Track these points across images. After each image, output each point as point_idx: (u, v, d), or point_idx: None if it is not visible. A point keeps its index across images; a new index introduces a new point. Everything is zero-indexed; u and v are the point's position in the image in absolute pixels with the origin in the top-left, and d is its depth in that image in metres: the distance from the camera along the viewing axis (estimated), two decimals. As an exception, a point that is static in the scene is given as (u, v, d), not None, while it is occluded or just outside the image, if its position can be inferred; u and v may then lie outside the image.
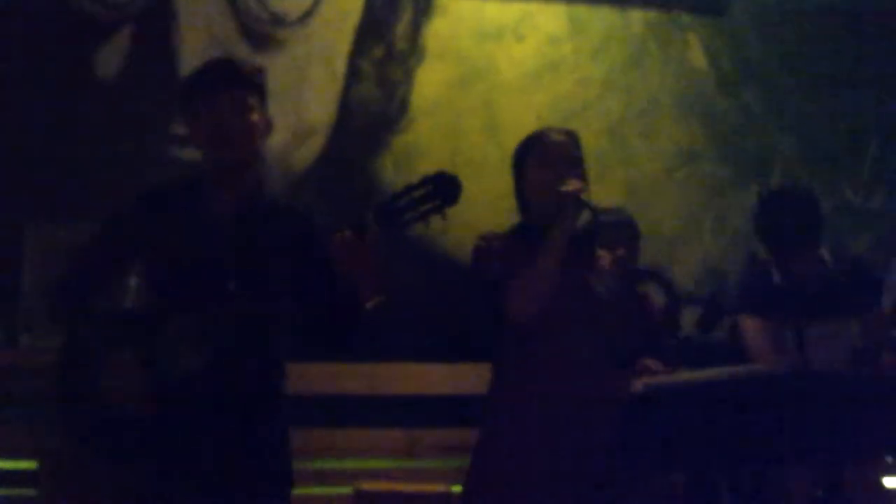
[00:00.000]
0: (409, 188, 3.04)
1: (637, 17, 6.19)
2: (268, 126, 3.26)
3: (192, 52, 5.50)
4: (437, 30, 5.95)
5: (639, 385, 3.32)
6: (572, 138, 3.60)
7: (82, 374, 3.09)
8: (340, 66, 5.84)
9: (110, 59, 5.46)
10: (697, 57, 6.25)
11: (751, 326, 4.33)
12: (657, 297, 4.88)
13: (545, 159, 3.53)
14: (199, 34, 5.55)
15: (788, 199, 4.34)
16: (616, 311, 3.47)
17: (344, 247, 3.00)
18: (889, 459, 4.53)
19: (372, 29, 5.88)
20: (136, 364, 3.04)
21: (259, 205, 3.25)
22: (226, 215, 3.19)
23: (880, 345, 4.35)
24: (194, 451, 3.02)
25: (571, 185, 3.40)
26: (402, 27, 5.92)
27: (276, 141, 5.53)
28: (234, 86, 3.18)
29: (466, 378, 5.21)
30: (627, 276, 3.93)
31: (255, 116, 3.20)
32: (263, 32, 5.69)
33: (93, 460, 3.18)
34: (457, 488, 4.61)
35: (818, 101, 6.29)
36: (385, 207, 3.03)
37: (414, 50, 5.93)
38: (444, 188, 3.06)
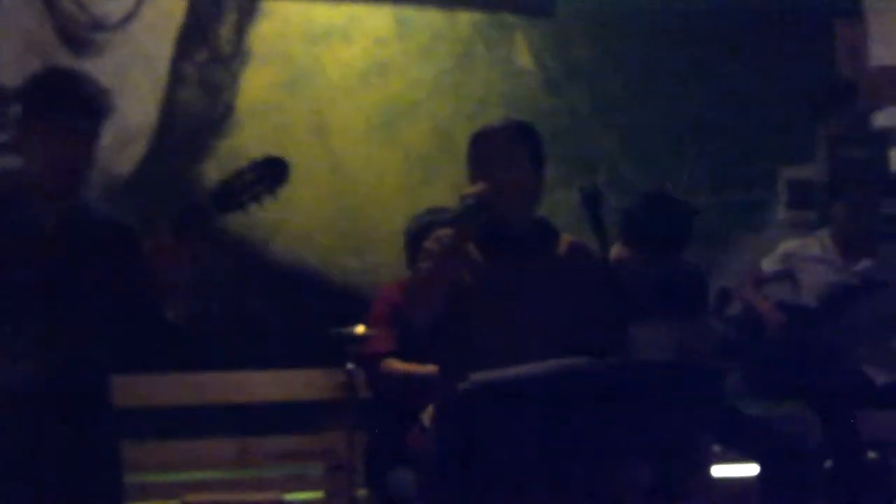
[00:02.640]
0: (240, 172, 3.14)
1: (463, 19, 6.19)
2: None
3: (8, 56, 5.33)
4: (263, 32, 5.86)
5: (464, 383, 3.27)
6: (511, 137, 3.48)
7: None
8: (162, 70, 5.72)
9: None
10: (524, 57, 6.28)
11: None
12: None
13: (468, 157, 3.45)
14: (15, 38, 5.36)
15: (662, 204, 4.40)
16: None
17: (159, 250, 2.98)
18: (717, 449, 4.65)
19: (195, 32, 5.77)
20: None
21: (81, 216, 3.18)
22: (48, 227, 3.12)
23: (704, 344, 4.45)
24: (23, 469, 2.96)
25: (473, 189, 3.33)
26: (226, 30, 5.82)
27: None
28: (74, 114, 3.12)
29: (296, 384, 5.17)
30: None
31: (92, 144, 3.17)
32: (82, 36, 5.54)
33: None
34: (289, 496, 4.57)
35: (641, 102, 6.38)
36: (219, 192, 3.12)
37: (238, 53, 5.83)
38: (272, 170, 3.18)
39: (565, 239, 3.52)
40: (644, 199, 4.54)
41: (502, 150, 3.40)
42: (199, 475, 5.01)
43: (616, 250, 4.40)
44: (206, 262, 5.04)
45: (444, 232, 3.38)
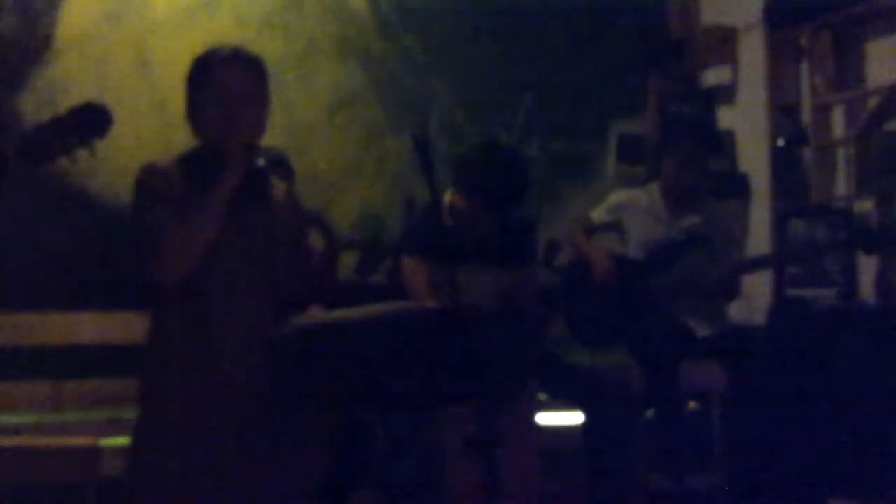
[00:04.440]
0: (56, 120, 2.87)
1: (295, -43, 6.07)
2: None
3: None
4: (86, -40, 5.62)
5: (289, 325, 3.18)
6: (252, 70, 3.18)
7: None
8: (-23, -5, 5.45)
9: None
10: (356, -1, 6.20)
11: (410, 266, 4.34)
12: (316, 241, 4.80)
13: (215, 97, 3.12)
14: None
15: (502, 156, 4.34)
16: (286, 253, 3.27)
17: None
18: (541, 396, 4.67)
19: (12, -44, 5.49)
20: None
21: None
22: None
23: (529, 292, 4.46)
24: None
25: (240, 139, 3.12)
26: (47, -45, 5.56)
27: None
28: None
29: (115, 326, 5.03)
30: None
31: None
32: None
33: None
34: (106, 441, 4.42)
35: (475, 50, 6.35)
36: (28, 140, 2.86)
37: (60, -20, 5.59)
38: (91, 120, 2.91)
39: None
40: (481, 149, 4.49)
41: (250, 82, 3.23)
42: (10, 419, 4.83)
43: (449, 196, 4.35)
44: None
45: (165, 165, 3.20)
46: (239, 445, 3.06)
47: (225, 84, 3.12)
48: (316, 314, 3.47)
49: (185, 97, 3.16)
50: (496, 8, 6.39)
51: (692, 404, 5.13)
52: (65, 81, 5.57)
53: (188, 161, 3.17)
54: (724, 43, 6.46)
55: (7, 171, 2.83)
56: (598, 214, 5.25)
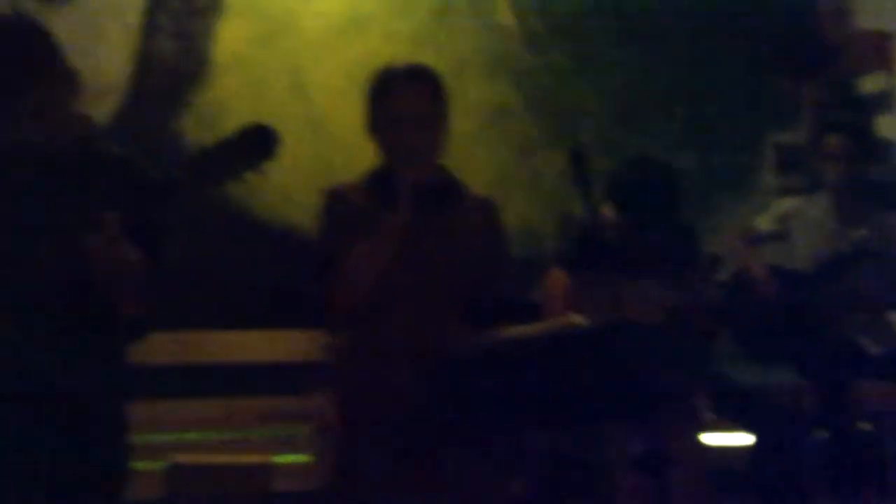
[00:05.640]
0: (223, 142, 2.80)
1: (443, -27, 6.07)
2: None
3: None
4: (238, -17, 5.72)
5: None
6: (428, 88, 3.24)
7: None
8: (134, 19, 5.60)
9: None
10: (505, 13, 6.18)
11: (552, 278, 4.29)
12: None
13: (390, 117, 3.19)
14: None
15: (649, 169, 4.31)
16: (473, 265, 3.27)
17: (102, 247, 2.69)
18: (710, 415, 4.60)
19: (167, -20, 5.64)
20: None
21: None
22: None
23: (693, 308, 4.39)
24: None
25: (412, 171, 3.13)
26: (199, -21, 5.67)
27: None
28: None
29: (283, 345, 5.09)
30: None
31: None
32: (51, -15, 5.37)
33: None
34: (277, 458, 4.48)
35: (626, 61, 6.29)
36: (194, 163, 2.80)
37: (214, 3, 5.72)
38: (259, 142, 2.85)
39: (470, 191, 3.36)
40: (630, 163, 4.46)
41: (425, 101, 3.21)
42: (184, 436, 4.92)
43: (608, 210, 4.33)
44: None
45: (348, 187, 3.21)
46: (422, 466, 3.07)
47: (399, 105, 3.14)
48: (497, 333, 3.46)
49: (366, 111, 3.22)
50: (644, 20, 6.33)
51: (864, 425, 5.00)
52: (223, 103, 5.67)
53: (374, 178, 3.20)
54: (880, 48, 6.31)
55: (175, 194, 2.80)
56: (766, 223, 5.15)
